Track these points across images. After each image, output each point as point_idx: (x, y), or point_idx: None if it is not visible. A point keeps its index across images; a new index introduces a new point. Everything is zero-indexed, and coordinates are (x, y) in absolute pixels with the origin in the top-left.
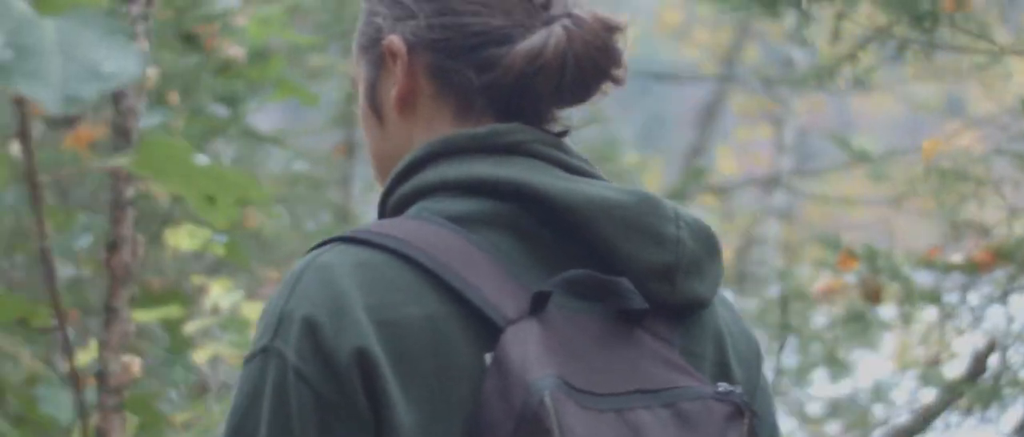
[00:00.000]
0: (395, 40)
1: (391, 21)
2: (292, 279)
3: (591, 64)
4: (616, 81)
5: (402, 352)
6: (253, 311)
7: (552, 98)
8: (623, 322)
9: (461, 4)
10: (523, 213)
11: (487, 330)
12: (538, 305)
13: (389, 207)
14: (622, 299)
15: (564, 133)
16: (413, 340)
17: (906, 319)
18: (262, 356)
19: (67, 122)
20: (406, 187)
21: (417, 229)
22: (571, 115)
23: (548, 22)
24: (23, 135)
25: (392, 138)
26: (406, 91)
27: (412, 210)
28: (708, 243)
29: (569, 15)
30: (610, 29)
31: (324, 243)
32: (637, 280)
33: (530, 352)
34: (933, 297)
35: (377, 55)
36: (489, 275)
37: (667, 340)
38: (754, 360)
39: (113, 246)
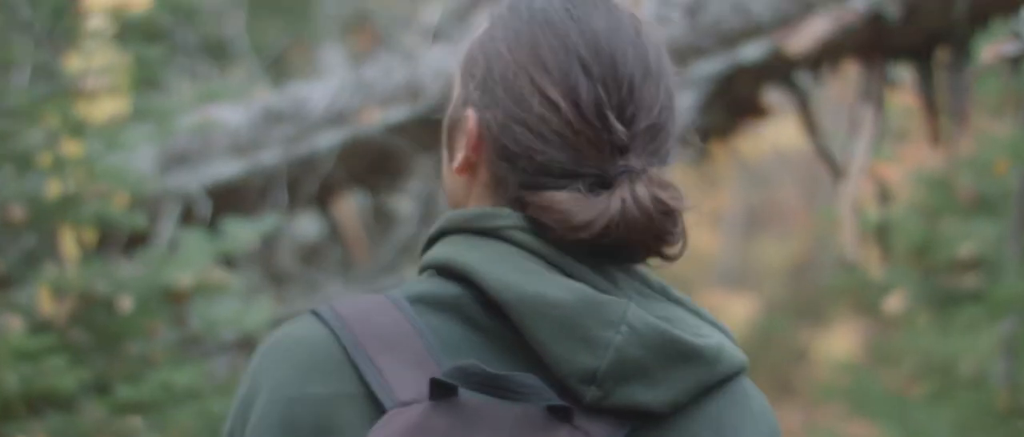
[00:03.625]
0: (471, 117)
1: (477, 96)
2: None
3: (636, 245)
4: (665, 258)
5: (294, 427)
6: None
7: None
8: (552, 420)
9: (535, 122)
10: (473, 301)
11: (379, 413)
12: (437, 392)
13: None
14: (534, 396)
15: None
16: (304, 417)
17: None
18: None
19: None
20: (421, 262)
21: (366, 307)
22: None
23: (619, 174)
24: None
25: (450, 188)
26: (465, 163)
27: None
28: (665, 350)
29: (636, 179)
30: (666, 212)
31: (310, 311)
32: (566, 381)
33: (391, 434)
34: None
35: (459, 115)
36: (407, 359)
37: None
38: None
39: None
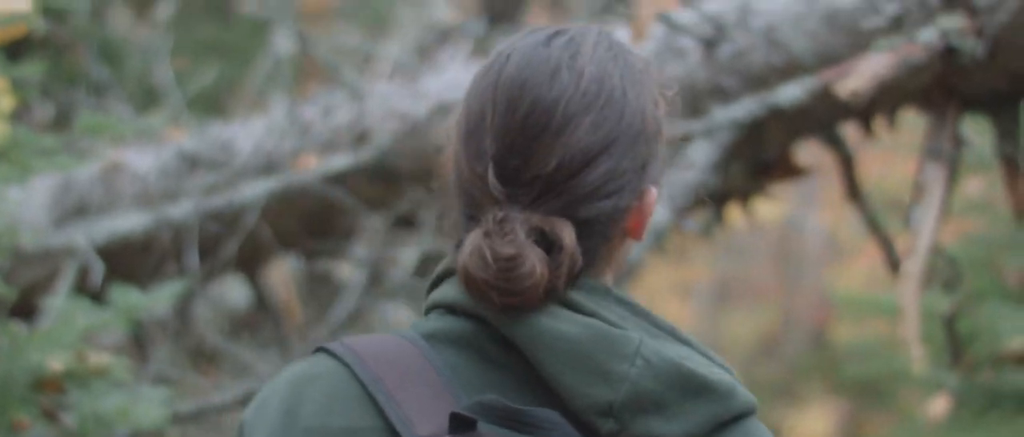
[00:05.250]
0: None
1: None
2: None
3: (485, 297)
4: (510, 308)
5: None
6: None
7: None
8: None
9: (453, 170)
10: (486, 336)
11: None
12: (457, 426)
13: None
14: (554, 430)
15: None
16: None
17: None
18: None
19: None
20: (427, 302)
21: (381, 344)
22: None
23: (492, 222)
24: None
25: None
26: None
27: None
28: (680, 384)
29: (485, 230)
30: (501, 261)
31: (317, 349)
32: (582, 414)
33: None
34: None
35: None
36: (424, 393)
37: None
38: None
39: None
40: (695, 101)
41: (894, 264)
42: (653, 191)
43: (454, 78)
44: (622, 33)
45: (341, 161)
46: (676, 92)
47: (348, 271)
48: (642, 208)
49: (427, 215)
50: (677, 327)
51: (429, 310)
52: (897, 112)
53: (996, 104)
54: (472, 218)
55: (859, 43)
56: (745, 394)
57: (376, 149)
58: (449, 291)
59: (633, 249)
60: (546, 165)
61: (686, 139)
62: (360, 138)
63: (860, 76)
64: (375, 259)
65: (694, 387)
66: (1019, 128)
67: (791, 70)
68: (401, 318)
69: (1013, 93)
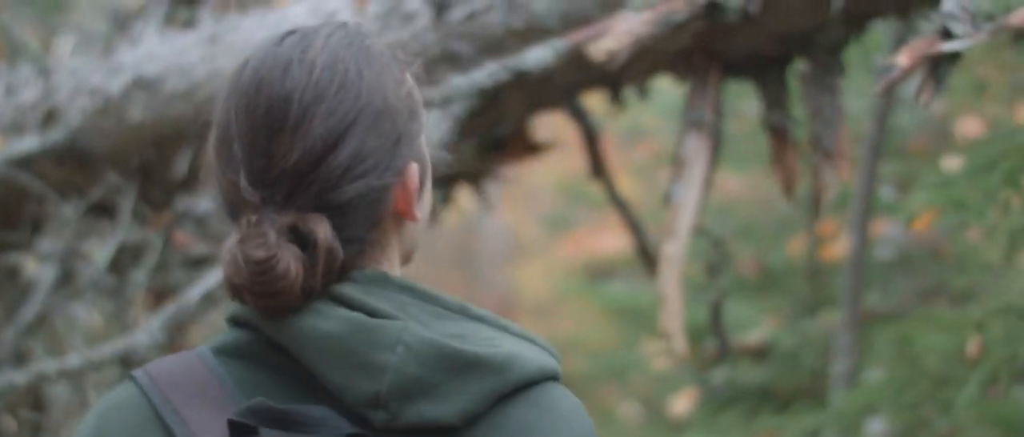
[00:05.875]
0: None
1: None
2: None
3: (249, 301)
4: (273, 310)
5: None
6: None
7: None
8: None
9: (215, 185)
10: (263, 345)
11: None
12: (237, 433)
13: None
14: (327, 427)
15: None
16: None
17: None
18: None
19: None
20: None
21: (175, 363)
22: None
23: (245, 226)
24: None
25: None
26: None
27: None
28: (444, 363)
29: (240, 234)
30: (254, 263)
31: (129, 374)
32: (354, 407)
33: None
34: None
35: None
36: (210, 407)
37: None
38: None
39: None
40: (427, 69)
41: (644, 248)
42: (414, 166)
43: (151, 50)
44: None
45: (27, 144)
46: (421, 67)
47: (35, 267)
48: (405, 185)
49: (124, 202)
50: (469, 305)
51: (228, 322)
52: (650, 79)
53: (762, 69)
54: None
55: (609, 3)
56: (529, 362)
57: (66, 129)
58: (234, 304)
59: (418, 231)
60: (288, 159)
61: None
62: (48, 117)
63: (615, 36)
64: (67, 251)
65: (461, 365)
66: (788, 95)
67: (532, 33)
68: (93, 321)
69: (781, 57)
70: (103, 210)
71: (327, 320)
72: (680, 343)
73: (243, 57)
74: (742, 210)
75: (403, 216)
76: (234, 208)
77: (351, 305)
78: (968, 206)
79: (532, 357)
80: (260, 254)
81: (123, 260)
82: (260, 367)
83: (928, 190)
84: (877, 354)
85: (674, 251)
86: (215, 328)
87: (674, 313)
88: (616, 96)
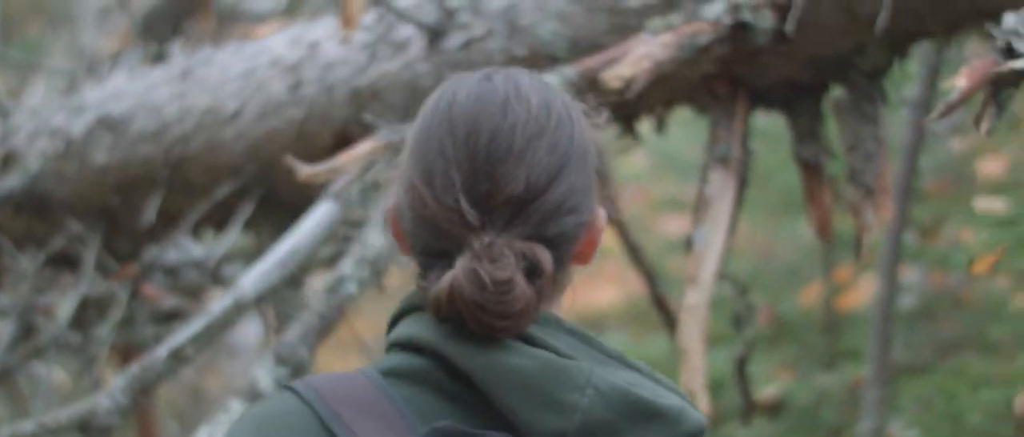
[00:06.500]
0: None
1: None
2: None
3: (474, 321)
4: (499, 332)
5: None
6: None
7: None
8: None
9: (409, 207)
10: (441, 371)
11: None
12: None
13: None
14: None
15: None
16: None
17: None
18: None
19: None
20: (387, 340)
21: (340, 381)
22: None
23: (480, 247)
24: None
25: None
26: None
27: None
28: (630, 410)
29: (473, 255)
30: (492, 285)
31: (284, 387)
32: None
33: None
34: None
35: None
36: (380, 426)
37: None
38: None
39: None
40: (417, 104)
41: (659, 299)
42: (602, 213)
43: (118, 87)
44: (329, 22)
45: None
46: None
47: None
48: (594, 229)
49: (88, 252)
50: (625, 354)
51: (389, 348)
52: (669, 110)
53: (793, 98)
54: (441, 253)
55: (624, 26)
56: (695, 416)
57: (24, 174)
58: (408, 328)
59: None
60: (516, 186)
61: None
62: (5, 161)
63: (632, 61)
64: (24, 306)
65: (645, 413)
66: (822, 126)
67: (537, 61)
68: (57, 379)
69: (814, 84)
70: (65, 261)
71: (520, 356)
72: (703, 402)
73: (445, 92)
74: (744, 257)
75: (581, 258)
76: (439, 233)
77: (534, 343)
78: None
79: (694, 411)
80: (504, 275)
81: (87, 315)
82: (432, 392)
83: (990, 230)
84: (903, 410)
85: (697, 300)
86: (185, 387)
87: (696, 369)
88: (630, 129)
